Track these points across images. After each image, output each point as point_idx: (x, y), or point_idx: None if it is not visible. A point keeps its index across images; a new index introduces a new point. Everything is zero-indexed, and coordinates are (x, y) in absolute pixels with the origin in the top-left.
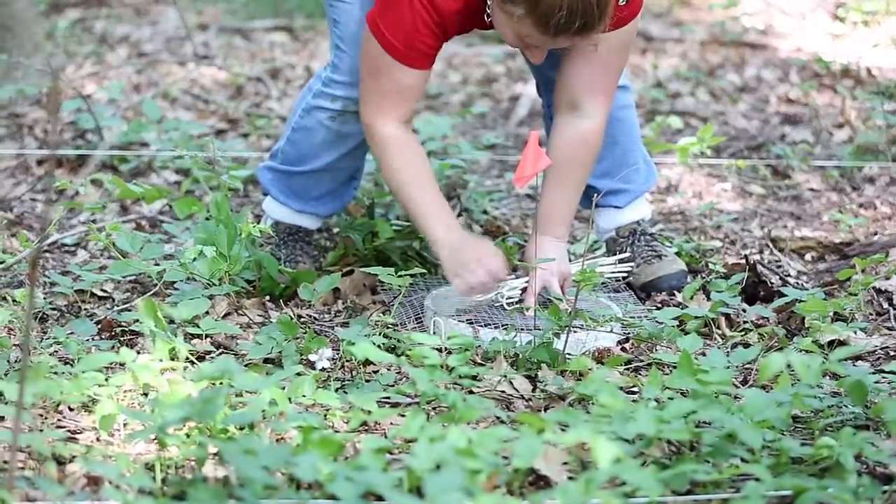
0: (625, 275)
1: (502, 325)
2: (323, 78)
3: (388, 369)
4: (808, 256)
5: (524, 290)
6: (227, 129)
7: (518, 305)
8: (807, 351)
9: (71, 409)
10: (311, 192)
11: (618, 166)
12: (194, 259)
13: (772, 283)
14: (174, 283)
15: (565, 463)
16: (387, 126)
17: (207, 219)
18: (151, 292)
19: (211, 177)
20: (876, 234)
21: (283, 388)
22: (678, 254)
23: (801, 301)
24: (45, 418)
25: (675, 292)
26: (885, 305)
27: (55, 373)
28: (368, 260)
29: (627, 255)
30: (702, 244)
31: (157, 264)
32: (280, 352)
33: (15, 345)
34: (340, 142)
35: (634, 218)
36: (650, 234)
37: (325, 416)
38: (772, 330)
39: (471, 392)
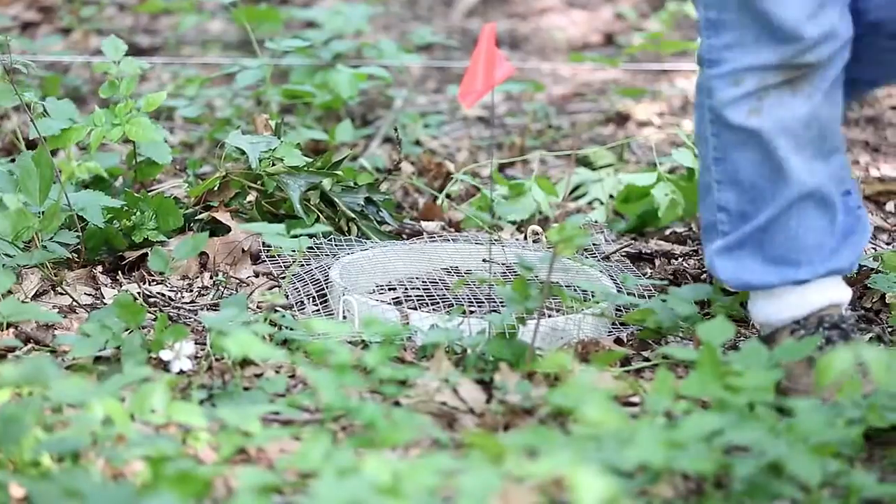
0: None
1: (444, 307)
2: (704, 59)
3: (277, 372)
4: (889, 206)
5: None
6: (39, 20)
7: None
8: (887, 341)
9: None
10: None
11: None
12: None
13: None
14: None
15: None
16: None
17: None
18: None
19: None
20: None
21: (123, 401)
22: None
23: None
24: None
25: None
26: None
27: None
28: (248, 210)
29: None
30: None
31: None
32: (118, 347)
33: None
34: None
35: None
36: None
37: (185, 440)
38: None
39: (397, 404)
